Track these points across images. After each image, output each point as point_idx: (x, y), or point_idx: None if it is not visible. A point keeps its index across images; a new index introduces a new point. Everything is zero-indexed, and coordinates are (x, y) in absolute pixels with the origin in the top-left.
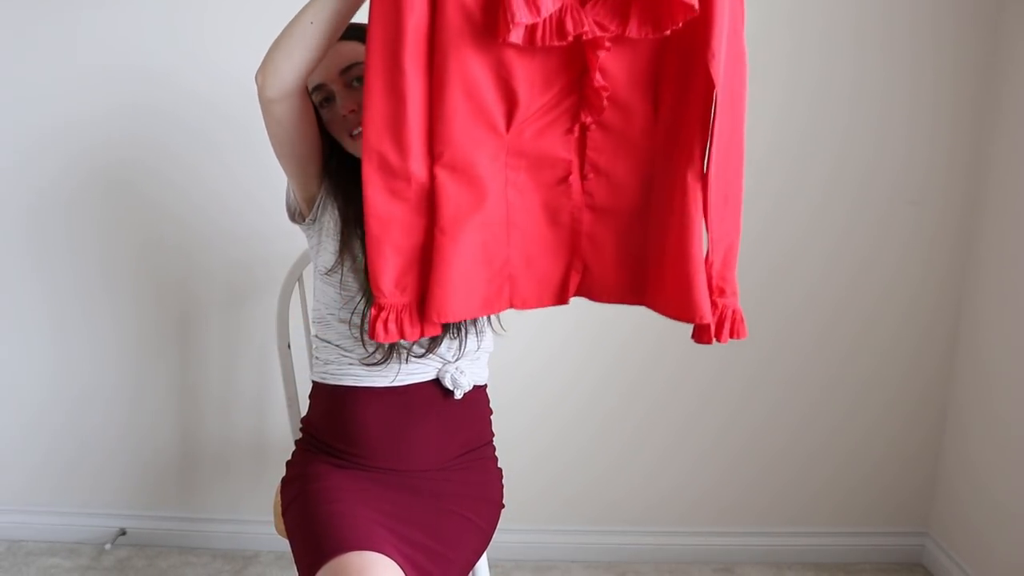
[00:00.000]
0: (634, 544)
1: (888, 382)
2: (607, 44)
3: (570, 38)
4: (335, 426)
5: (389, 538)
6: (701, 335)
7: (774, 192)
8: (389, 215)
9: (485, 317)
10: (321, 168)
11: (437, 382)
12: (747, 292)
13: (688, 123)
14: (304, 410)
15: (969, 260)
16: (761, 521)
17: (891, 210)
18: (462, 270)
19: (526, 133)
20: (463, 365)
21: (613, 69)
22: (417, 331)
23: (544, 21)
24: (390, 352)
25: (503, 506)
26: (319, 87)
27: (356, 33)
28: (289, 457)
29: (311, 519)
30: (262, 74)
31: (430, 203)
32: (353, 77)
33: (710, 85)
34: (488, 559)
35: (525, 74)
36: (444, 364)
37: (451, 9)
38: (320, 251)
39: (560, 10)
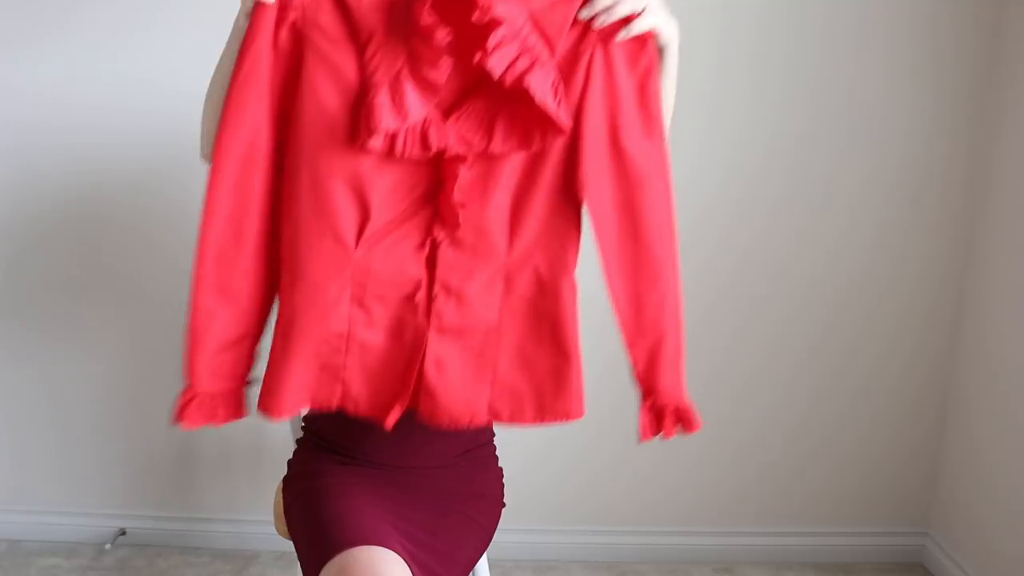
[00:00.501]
0: (634, 544)
1: (888, 382)
2: (465, 158)
3: (432, 152)
4: (337, 424)
5: (394, 534)
6: (642, 432)
7: (775, 193)
8: (213, 311)
9: None
10: None
11: None
12: (748, 293)
13: (557, 231)
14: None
15: (969, 259)
16: (761, 521)
17: (891, 209)
18: (294, 374)
19: (376, 247)
20: None
21: (469, 183)
22: (226, 418)
23: (406, 132)
24: None
25: (504, 505)
26: None
27: None
28: (290, 456)
29: (316, 515)
30: (204, 149)
31: (264, 305)
32: None
33: (578, 195)
34: (488, 559)
35: (380, 185)
36: None
37: (309, 109)
38: None
39: (424, 121)
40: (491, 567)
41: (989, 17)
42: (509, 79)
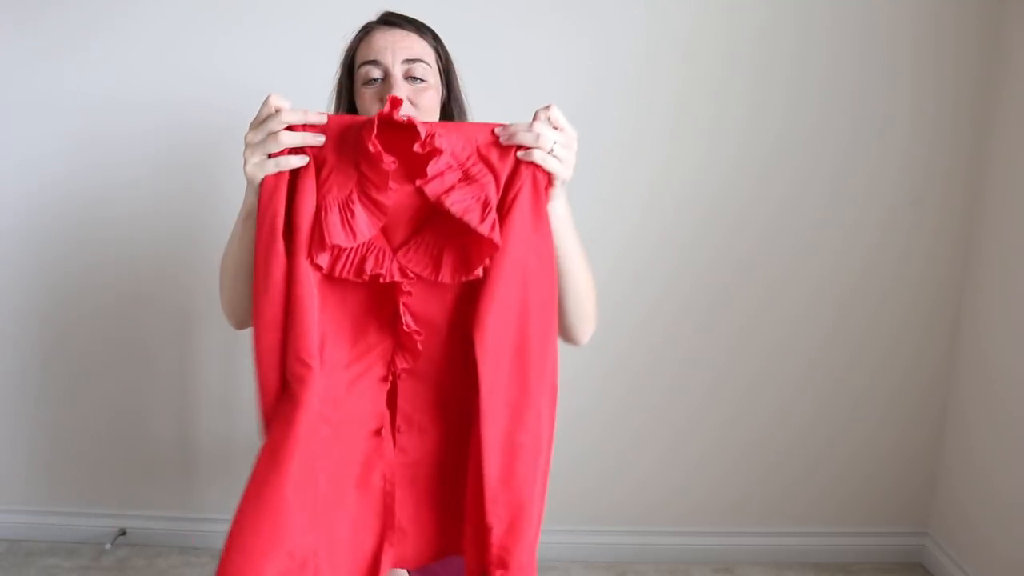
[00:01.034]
0: (634, 544)
1: (889, 383)
2: (407, 289)
3: (366, 277)
4: None
5: None
6: None
7: (778, 195)
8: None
9: None
10: None
11: None
12: (751, 295)
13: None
14: None
15: (970, 260)
16: (761, 521)
17: (894, 211)
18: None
19: (338, 380)
20: None
21: (427, 313)
22: None
23: (347, 255)
24: None
25: None
26: (375, 63)
27: (416, 28)
28: None
29: None
30: (227, 318)
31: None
32: (414, 71)
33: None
34: None
35: (333, 311)
36: None
37: (299, 226)
38: None
39: (366, 249)
40: None
41: (990, 19)
42: (440, 200)
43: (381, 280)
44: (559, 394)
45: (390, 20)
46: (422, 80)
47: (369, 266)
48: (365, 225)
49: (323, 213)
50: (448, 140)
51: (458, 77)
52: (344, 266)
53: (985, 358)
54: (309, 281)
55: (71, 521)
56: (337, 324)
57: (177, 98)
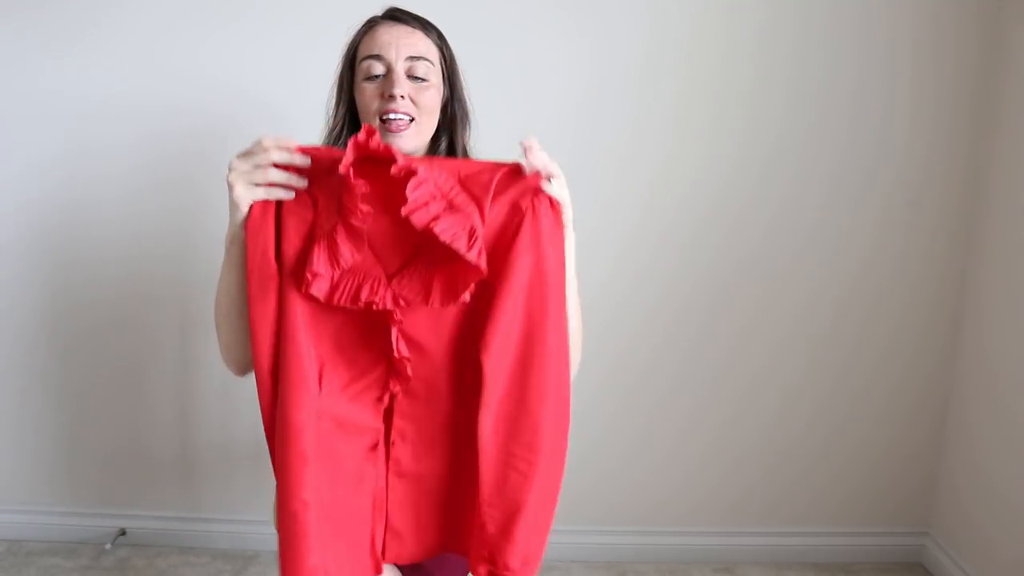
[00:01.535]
0: (634, 544)
1: (889, 382)
2: (398, 317)
3: (361, 304)
4: None
5: None
6: None
7: (777, 195)
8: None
9: None
10: None
11: None
12: (750, 296)
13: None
14: None
15: (969, 260)
16: (761, 521)
17: (892, 211)
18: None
19: (339, 401)
20: None
21: (419, 337)
22: None
23: (344, 284)
24: None
25: None
26: (378, 57)
27: (422, 25)
28: None
29: None
30: (226, 363)
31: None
32: (416, 69)
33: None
34: None
35: (331, 338)
36: None
37: (286, 258)
38: None
39: (363, 277)
40: None
41: (989, 19)
42: (427, 228)
43: (375, 308)
44: None
45: (395, 16)
46: (424, 79)
47: (364, 294)
48: (347, 251)
49: (315, 247)
50: (429, 171)
51: (461, 76)
52: (341, 295)
53: (985, 357)
54: (298, 312)
55: (71, 521)
56: (335, 350)
57: (171, 98)
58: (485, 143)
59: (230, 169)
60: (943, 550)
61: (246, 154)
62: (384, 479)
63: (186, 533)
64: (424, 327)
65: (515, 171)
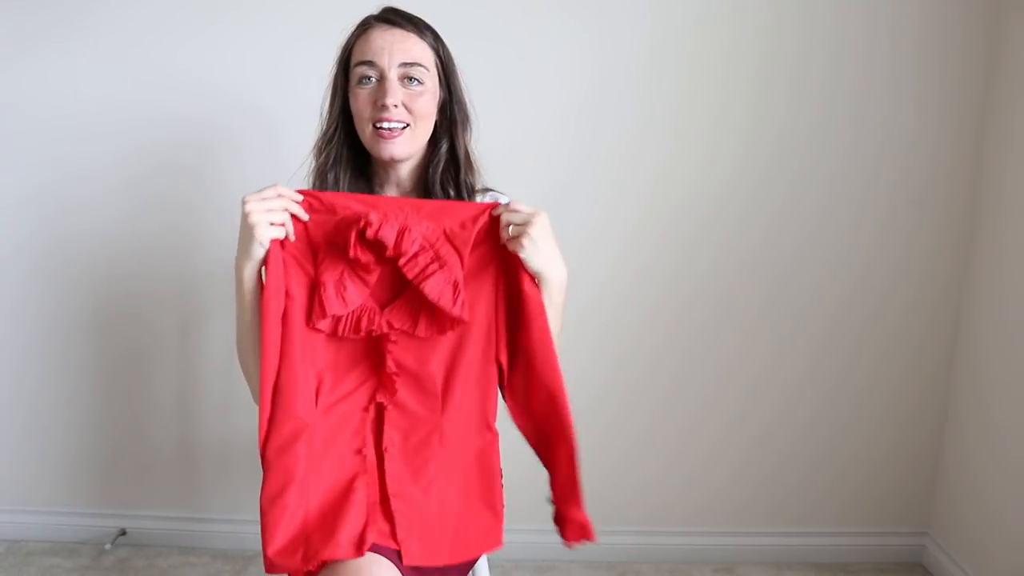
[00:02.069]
0: (634, 544)
1: (889, 383)
2: (394, 339)
3: (363, 333)
4: None
5: None
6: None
7: (779, 195)
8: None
9: None
10: None
11: None
12: (752, 297)
13: (481, 390)
14: None
15: (970, 261)
16: (761, 521)
17: (893, 211)
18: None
19: (331, 411)
20: None
21: (406, 359)
22: None
23: (346, 317)
24: None
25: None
26: (370, 63)
27: (416, 28)
28: None
29: None
30: (254, 397)
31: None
32: (410, 75)
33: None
34: (488, 559)
35: (330, 360)
36: None
37: (294, 300)
38: None
39: (361, 310)
40: (491, 567)
41: (992, 19)
42: (418, 283)
43: (373, 334)
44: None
45: (390, 18)
46: (419, 83)
47: (364, 324)
48: (356, 295)
49: (322, 289)
50: (418, 231)
51: (459, 77)
52: (344, 327)
53: (985, 358)
54: (299, 342)
55: (71, 521)
56: (334, 369)
57: (165, 91)
58: (487, 143)
59: (247, 211)
60: (943, 550)
61: (260, 197)
62: (372, 481)
63: (186, 533)
64: (411, 350)
65: (493, 223)
